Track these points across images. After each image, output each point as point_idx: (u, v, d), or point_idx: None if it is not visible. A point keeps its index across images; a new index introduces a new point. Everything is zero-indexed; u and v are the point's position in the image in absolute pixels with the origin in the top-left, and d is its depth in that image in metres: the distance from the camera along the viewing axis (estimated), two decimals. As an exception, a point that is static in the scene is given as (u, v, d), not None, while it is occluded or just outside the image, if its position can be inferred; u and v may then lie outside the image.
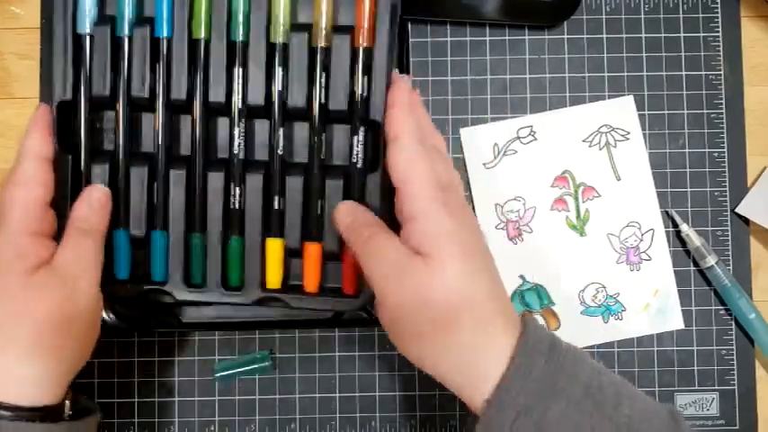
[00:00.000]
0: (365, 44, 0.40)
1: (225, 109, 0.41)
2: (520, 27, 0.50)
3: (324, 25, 0.41)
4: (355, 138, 0.41)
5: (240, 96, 0.41)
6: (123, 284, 0.42)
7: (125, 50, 0.41)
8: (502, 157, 0.50)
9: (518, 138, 0.50)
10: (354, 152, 0.41)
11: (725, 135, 0.50)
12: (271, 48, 0.41)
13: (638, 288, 0.50)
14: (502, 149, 0.50)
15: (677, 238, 0.50)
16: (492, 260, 0.37)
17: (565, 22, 0.50)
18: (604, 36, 0.50)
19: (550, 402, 0.33)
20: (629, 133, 0.50)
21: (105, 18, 0.41)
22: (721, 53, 0.50)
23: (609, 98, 0.50)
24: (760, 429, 0.49)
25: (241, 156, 0.42)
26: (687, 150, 0.50)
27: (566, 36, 0.50)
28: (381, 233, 0.37)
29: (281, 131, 0.41)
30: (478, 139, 0.50)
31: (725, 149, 0.50)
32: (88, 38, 0.41)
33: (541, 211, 0.50)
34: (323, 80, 0.41)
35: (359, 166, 0.41)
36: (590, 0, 0.51)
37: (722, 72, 0.50)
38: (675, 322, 0.49)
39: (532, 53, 0.50)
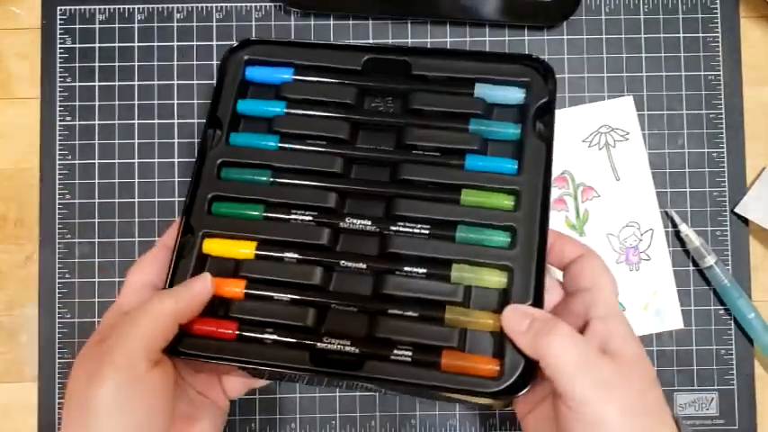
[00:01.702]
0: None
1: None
2: (519, 27, 0.51)
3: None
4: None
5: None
6: None
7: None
8: None
9: None
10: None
11: (724, 135, 0.50)
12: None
13: (637, 288, 0.50)
14: None
15: (677, 238, 0.50)
16: None
17: (564, 23, 0.50)
18: (603, 37, 0.51)
19: None
20: (628, 133, 0.50)
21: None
22: (720, 53, 0.51)
23: (608, 98, 0.50)
24: (759, 429, 0.49)
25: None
26: (686, 150, 0.50)
27: (565, 37, 0.51)
28: (564, 328, 0.35)
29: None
30: None
31: (724, 150, 0.50)
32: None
33: None
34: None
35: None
36: (589, 1, 0.51)
37: (721, 72, 0.51)
38: (675, 322, 0.49)
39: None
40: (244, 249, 0.40)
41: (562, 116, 0.50)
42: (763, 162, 0.50)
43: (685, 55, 0.51)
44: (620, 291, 0.50)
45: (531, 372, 0.36)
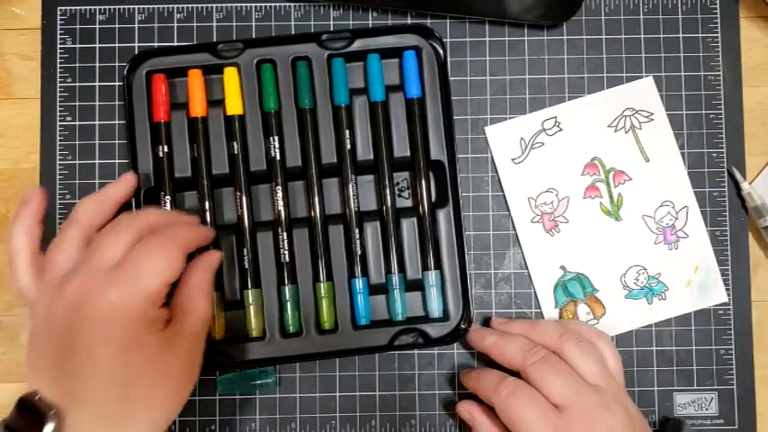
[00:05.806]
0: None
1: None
2: (519, 27, 0.51)
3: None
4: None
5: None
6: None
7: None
8: (530, 150, 0.50)
9: (543, 130, 0.50)
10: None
11: (723, 135, 0.50)
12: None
13: (678, 266, 0.50)
14: (529, 143, 0.50)
15: (738, 197, 0.50)
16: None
17: (564, 23, 0.50)
18: (603, 37, 0.51)
19: None
20: (652, 114, 0.50)
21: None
22: (720, 54, 0.51)
23: (627, 81, 0.50)
24: (759, 429, 0.49)
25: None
26: (686, 151, 0.50)
27: (565, 37, 0.51)
28: (523, 389, 0.43)
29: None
30: (504, 135, 0.50)
31: (723, 150, 0.50)
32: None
33: (575, 201, 0.50)
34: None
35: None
36: (589, 1, 0.51)
37: (721, 72, 0.51)
38: (719, 296, 0.49)
39: (532, 54, 0.50)
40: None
41: (585, 103, 0.50)
42: (763, 161, 0.50)
43: (685, 55, 0.51)
44: (662, 271, 0.50)
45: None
